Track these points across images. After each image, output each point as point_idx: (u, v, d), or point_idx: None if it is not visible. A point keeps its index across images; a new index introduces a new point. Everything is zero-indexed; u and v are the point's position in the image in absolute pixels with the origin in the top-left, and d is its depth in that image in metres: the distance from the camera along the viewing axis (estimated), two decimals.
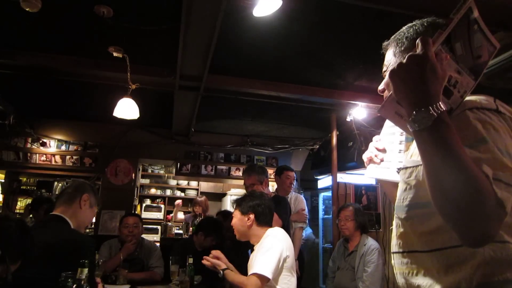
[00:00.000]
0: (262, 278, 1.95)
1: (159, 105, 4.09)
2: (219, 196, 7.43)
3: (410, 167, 0.93)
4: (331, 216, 4.31)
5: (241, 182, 5.44)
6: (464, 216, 0.70)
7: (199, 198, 5.13)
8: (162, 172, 7.01)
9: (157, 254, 3.22)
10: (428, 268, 0.87)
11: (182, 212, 5.20)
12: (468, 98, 0.86)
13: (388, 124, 1.22)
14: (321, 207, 5.39)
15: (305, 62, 3.11)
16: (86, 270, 1.22)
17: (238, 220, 2.25)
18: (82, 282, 1.23)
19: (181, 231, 4.79)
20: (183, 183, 7.09)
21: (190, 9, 2.16)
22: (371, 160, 1.22)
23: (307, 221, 3.54)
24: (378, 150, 1.19)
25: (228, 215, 3.97)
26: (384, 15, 2.31)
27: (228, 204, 6.68)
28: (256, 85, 3.41)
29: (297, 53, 2.93)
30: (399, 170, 1.00)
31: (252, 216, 2.20)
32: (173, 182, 7.09)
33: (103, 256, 2.92)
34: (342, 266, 3.01)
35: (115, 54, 2.83)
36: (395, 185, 1.18)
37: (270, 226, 2.26)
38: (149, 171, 6.95)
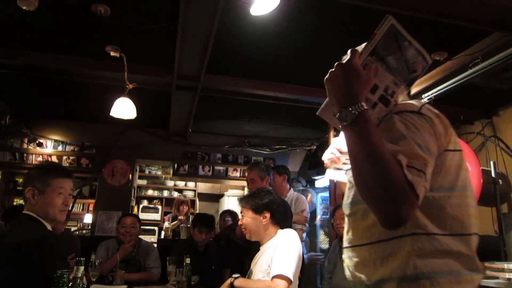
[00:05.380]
0: (286, 280, 1.85)
1: (157, 105, 4.08)
2: (216, 197, 7.42)
3: None
4: (329, 216, 4.30)
5: (239, 182, 5.47)
6: (378, 197, 0.79)
7: (183, 197, 5.06)
8: (159, 173, 6.99)
9: (154, 254, 3.20)
10: (367, 260, 0.95)
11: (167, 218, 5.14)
12: (400, 103, 0.99)
13: None
14: (318, 207, 5.39)
15: (302, 62, 3.11)
16: (82, 268, 1.23)
17: (252, 220, 2.08)
18: (78, 280, 1.23)
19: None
20: (181, 184, 7.08)
21: (187, 8, 2.16)
22: (332, 162, 1.32)
23: (307, 223, 3.48)
24: (340, 152, 1.30)
25: (235, 214, 3.94)
26: (382, 15, 2.31)
27: (225, 205, 6.67)
28: (254, 85, 3.41)
29: (294, 53, 2.93)
30: (346, 171, 1.10)
31: (268, 215, 2.08)
32: (170, 183, 7.08)
33: (100, 257, 2.90)
34: (338, 266, 2.99)
35: (112, 53, 2.82)
36: None
37: (282, 225, 2.15)
38: (146, 172, 6.94)
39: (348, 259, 1.04)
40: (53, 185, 1.61)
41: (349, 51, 0.89)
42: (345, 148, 1.27)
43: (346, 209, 1.06)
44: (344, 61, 0.88)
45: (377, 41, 0.90)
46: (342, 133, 1.32)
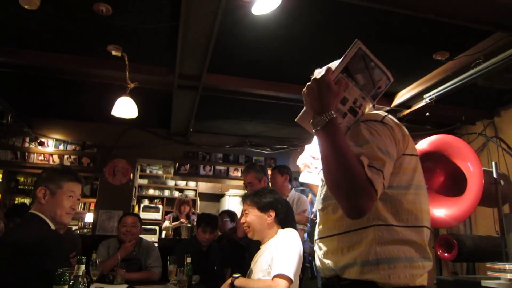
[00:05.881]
0: (287, 279, 1.85)
1: (158, 104, 4.08)
2: (217, 197, 7.43)
3: None
4: None
5: (240, 182, 5.46)
6: (343, 190, 0.94)
7: (184, 197, 5.06)
8: (160, 172, 6.99)
9: (155, 254, 3.20)
10: (336, 249, 1.08)
11: (166, 218, 5.14)
12: (367, 113, 1.15)
13: None
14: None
15: (304, 62, 3.11)
16: (83, 267, 1.24)
17: (257, 218, 2.08)
18: (79, 279, 1.24)
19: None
20: (181, 183, 7.08)
21: (188, 7, 2.16)
22: (305, 167, 1.46)
23: (308, 223, 3.47)
24: (313, 158, 1.42)
25: (233, 214, 3.94)
26: (384, 14, 2.31)
27: (226, 205, 6.67)
28: (255, 84, 3.41)
29: (296, 53, 2.93)
30: (320, 172, 1.25)
31: (273, 213, 2.08)
32: (171, 183, 7.08)
33: (101, 256, 2.91)
34: None
35: (113, 52, 2.82)
36: None
37: (283, 225, 2.14)
38: (147, 171, 6.94)
39: (318, 249, 1.16)
40: (65, 188, 1.66)
41: (324, 68, 1.05)
42: (317, 154, 1.38)
43: (319, 204, 1.18)
44: (319, 77, 1.04)
45: (347, 61, 1.06)
46: (314, 141, 1.44)
